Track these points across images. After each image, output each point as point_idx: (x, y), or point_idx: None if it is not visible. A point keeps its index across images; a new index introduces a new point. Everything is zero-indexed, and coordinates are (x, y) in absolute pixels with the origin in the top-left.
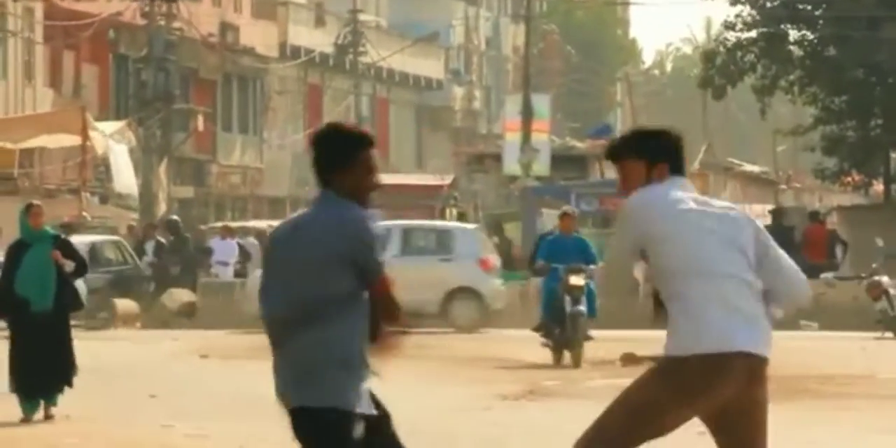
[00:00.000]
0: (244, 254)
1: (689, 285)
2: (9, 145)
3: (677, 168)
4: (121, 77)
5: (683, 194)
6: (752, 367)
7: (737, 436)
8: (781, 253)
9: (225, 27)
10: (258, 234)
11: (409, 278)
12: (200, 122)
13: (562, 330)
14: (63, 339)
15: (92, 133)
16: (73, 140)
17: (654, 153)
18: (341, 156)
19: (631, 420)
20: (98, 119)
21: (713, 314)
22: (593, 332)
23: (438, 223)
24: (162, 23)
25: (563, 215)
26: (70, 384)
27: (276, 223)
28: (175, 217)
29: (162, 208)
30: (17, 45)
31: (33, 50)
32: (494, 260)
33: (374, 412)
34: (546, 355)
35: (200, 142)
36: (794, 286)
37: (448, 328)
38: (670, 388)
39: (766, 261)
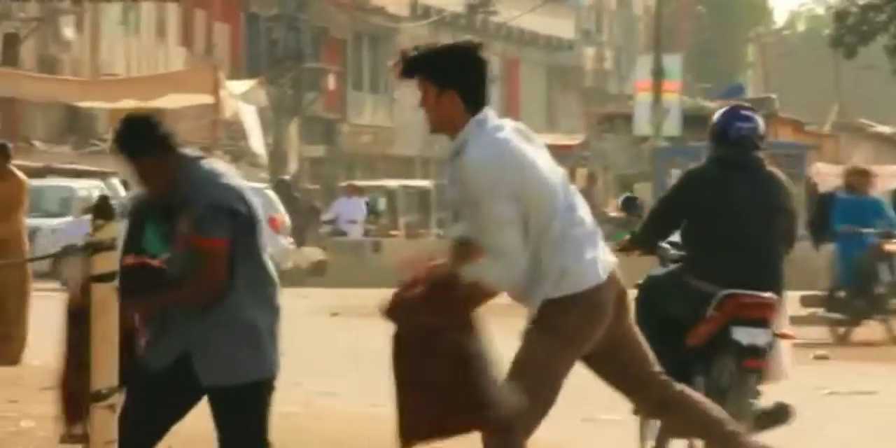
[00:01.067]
0: (373, 212)
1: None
2: (140, 104)
3: (474, 96)
4: (252, 36)
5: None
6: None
7: (625, 357)
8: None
9: None
10: (388, 193)
11: None
12: (331, 82)
13: (870, 300)
14: None
15: (223, 92)
16: (204, 99)
17: (442, 77)
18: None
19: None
20: (229, 78)
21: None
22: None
23: None
24: None
25: (858, 172)
26: None
27: (406, 182)
28: (286, 177)
29: (293, 167)
30: (149, 4)
31: (166, 8)
32: (283, 219)
33: None
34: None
35: (331, 101)
36: None
37: None
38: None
39: None
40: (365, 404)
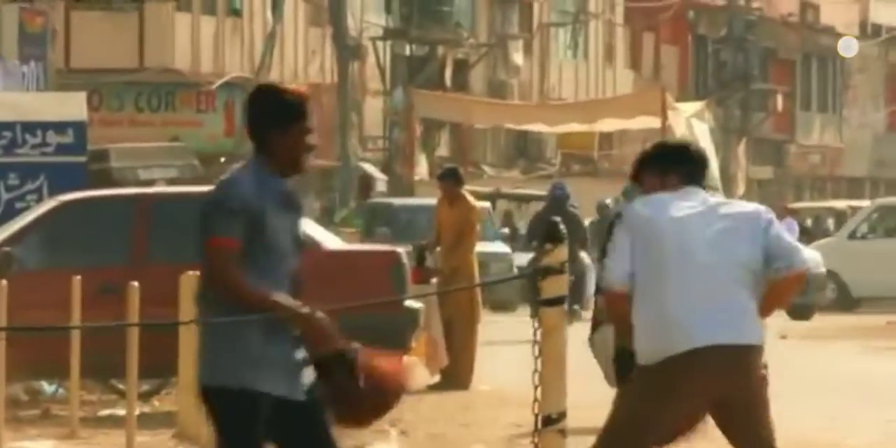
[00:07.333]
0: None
1: (649, 279)
2: (589, 127)
3: (691, 180)
4: (700, 58)
5: (682, 198)
6: (723, 359)
7: (736, 427)
8: (782, 232)
9: (805, 6)
10: (838, 214)
11: None
12: (779, 102)
13: None
14: None
15: (671, 113)
16: (652, 121)
17: (666, 166)
18: (277, 118)
19: (629, 432)
20: (677, 100)
21: (671, 308)
22: None
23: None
24: (742, 3)
25: None
26: None
27: (854, 203)
28: (606, 201)
29: (740, 189)
30: (598, 28)
31: (614, 32)
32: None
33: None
34: None
35: (779, 121)
36: (790, 252)
37: None
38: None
39: (767, 237)
40: (811, 428)
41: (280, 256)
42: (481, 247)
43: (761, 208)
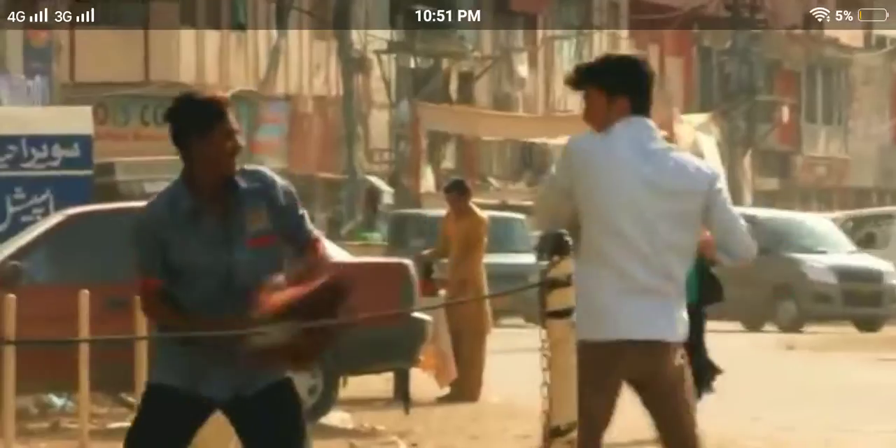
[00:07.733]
0: None
1: (590, 260)
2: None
3: (640, 104)
4: (705, 69)
5: (630, 145)
6: (645, 353)
7: (659, 410)
8: (729, 207)
9: (809, 18)
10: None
11: None
12: (785, 114)
13: None
14: (699, 332)
15: (678, 125)
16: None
17: (614, 85)
18: (196, 124)
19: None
20: (682, 112)
21: (606, 297)
22: None
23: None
24: (746, 15)
25: None
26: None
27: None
28: None
29: (747, 200)
30: (602, 40)
31: (618, 44)
32: None
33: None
34: None
35: (785, 133)
36: (736, 242)
37: None
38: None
39: (713, 213)
40: (821, 438)
41: (199, 273)
42: (517, 258)
43: (710, 181)
